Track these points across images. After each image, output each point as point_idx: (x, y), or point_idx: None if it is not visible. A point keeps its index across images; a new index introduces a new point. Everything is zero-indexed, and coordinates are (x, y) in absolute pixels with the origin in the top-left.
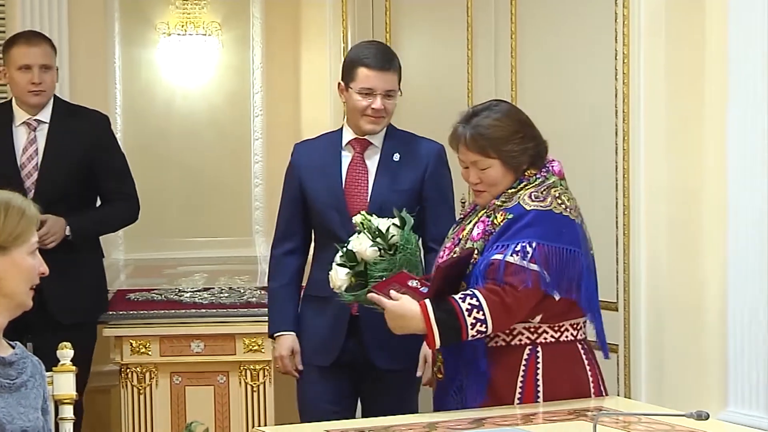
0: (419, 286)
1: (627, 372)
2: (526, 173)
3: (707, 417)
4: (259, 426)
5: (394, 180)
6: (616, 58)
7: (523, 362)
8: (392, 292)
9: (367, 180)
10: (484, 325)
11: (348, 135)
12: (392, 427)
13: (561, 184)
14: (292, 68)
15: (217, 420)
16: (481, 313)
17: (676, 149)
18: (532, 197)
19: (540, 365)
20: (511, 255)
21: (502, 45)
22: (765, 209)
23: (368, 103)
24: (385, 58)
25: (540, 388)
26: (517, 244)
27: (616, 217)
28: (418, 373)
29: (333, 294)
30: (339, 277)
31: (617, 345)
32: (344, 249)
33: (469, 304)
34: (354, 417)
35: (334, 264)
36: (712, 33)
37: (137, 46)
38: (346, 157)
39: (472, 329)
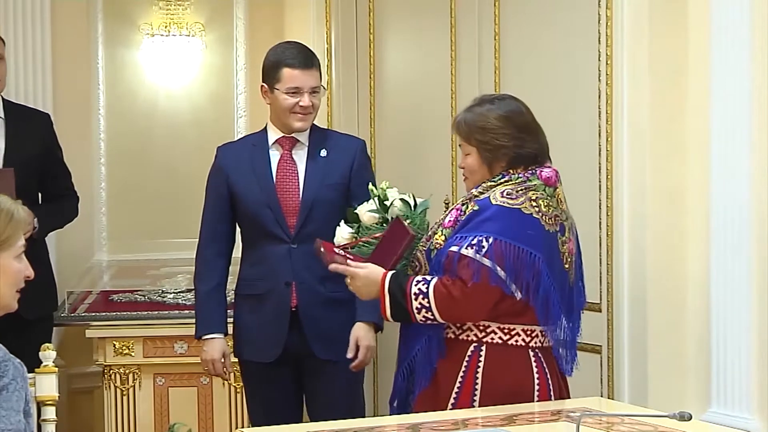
0: (342, 252)
1: (610, 373)
2: (511, 170)
3: (690, 418)
4: (243, 427)
5: (325, 175)
6: (599, 60)
7: (466, 358)
8: (350, 262)
9: (297, 176)
10: (429, 312)
11: (274, 135)
12: (375, 428)
13: (543, 190)
14: None
15: (201, 421)
16: (426, 300)
17: (659, 150)
18: (504, 194)
19: (481, 364)
20: (467, 248)
21: (486, 46)
22: (748, 210)
23: (296, 101)
24: (307, 57)
25: (478, 386)
26: (474, 237)
27: (599, 219)
28: (348, 355)
29: (266, 291)
30: (341, 234)
31: (600, 346)
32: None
33: (418, 288)
34: (302, 410)
35: (342, 221)
36: (694, 34)
37: (120, 47)
38: (275, 155)
39: (418, 314)
